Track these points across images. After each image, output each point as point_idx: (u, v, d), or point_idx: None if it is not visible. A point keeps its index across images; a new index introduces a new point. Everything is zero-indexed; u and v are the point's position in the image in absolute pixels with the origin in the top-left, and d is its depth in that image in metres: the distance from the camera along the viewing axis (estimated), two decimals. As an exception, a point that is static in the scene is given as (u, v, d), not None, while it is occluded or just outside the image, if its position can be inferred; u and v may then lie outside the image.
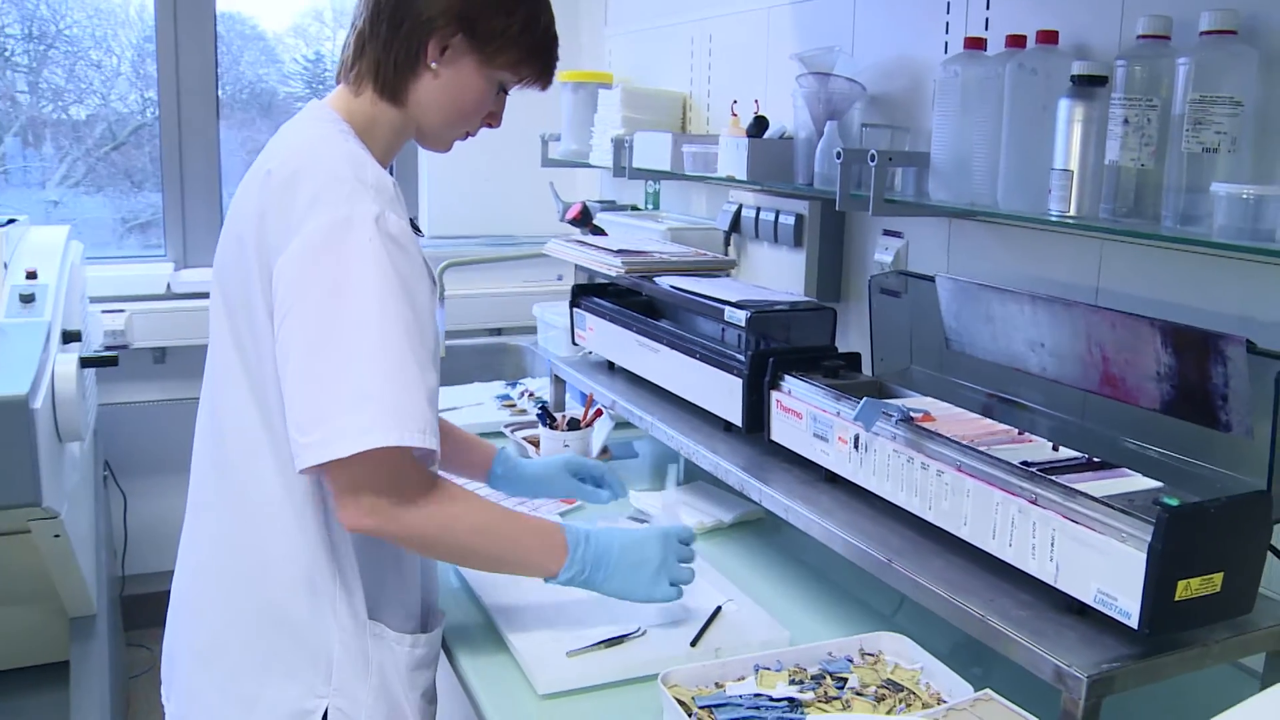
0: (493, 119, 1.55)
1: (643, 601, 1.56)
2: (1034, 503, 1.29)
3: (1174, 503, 1.17)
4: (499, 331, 3.87)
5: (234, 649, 1.43)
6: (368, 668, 1.43)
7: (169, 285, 3.56)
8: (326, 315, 1.27)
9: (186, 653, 1.49)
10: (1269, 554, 1.24)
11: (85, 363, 2.47)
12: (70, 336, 2.56)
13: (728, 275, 2.33)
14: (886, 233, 2.18)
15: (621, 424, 2.43)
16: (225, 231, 1.44)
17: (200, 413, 1.50)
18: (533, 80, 1.52)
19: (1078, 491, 1.25)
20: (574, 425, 2.33)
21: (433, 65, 1.43)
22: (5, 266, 2.66)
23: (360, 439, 1.25)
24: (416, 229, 1.56)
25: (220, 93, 3.74)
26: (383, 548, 1.45)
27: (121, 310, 3.40)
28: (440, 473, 1.48)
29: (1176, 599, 1.16)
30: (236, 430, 1.41)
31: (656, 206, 3.25)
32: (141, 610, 3.52)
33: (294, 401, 1.29)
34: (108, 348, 3.24)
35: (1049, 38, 1.65)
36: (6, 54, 3.74)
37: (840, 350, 1.90)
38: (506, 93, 1.53)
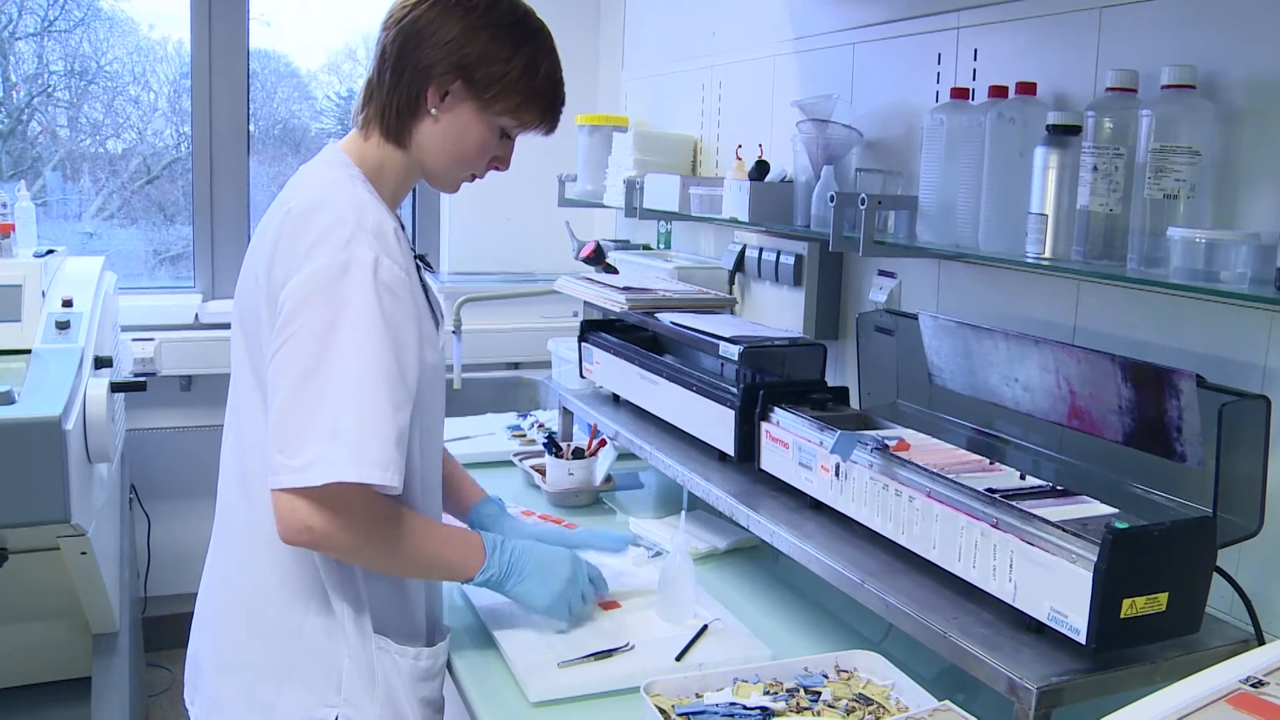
0: (499, 163, 1.61)
1: (539, 613, 1.69)
2: (995, 526, 1.37)
3: (1121, 526, 1.24)
4: (515, 365, 3.96)
5: (254, 660, 1.53)
6: (374, 679, 1.51)
7: (197, 315, 3.68)
8: (315, 352, 1.37)
9: (210, 662, 1.59)
10: (1215, 576, 1.31)
11: (115, 388, 2.58)
12: (102, 362, 2.68)
13: (729, 312, 2.42)
14: (881, 273, 2.27)
15: (627, 455, 2.52)
16: (244, 268, 1.54)
17: (225, 438, 1.60)
18: (535, 125, 1.57)
19: (1034, 516, 1.33)
20: (579, 454, 2.42)
21: (433, 111, 1.51)
22: (43, 294, 2.79)
23: (326, 471, 1.35)
24: (428, 265, 1.66)
25: (252, 128, 3.88)
26: None
27: (151, 339, 3.53)
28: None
29: (1122, 616, 1.24)
30: (256, 457, 1.50)
31: (668, 246, 3.34)
32: (162, 631, 3.62)
33: (278, 426, 1.38)
34: (137, 374, 3.36)
35: (1028, 89, 1.73)
36: (49, 90, 3.90)
37: (835, 385, 1.98)
38: (512, 138, 1.59)
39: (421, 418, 1.52)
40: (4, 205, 2.92)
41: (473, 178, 1.61)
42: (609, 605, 1.81)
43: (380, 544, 1.46)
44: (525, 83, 1.52)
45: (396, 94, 1.51)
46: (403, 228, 1.60)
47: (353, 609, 1.50)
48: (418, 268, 1.58)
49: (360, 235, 1.40)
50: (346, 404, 1.36)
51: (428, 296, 1.59)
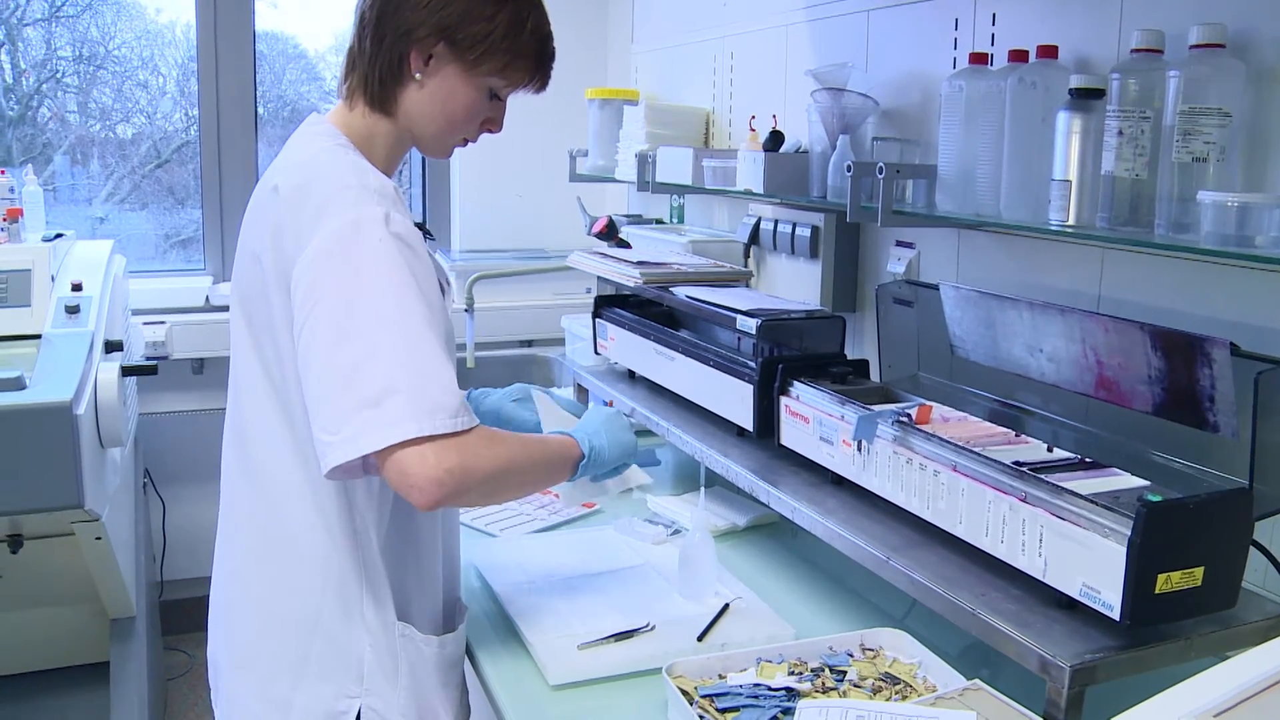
0: (492, 125, 1.55)
1: (632, 459, 1.67)
2: (1024, 500, 1.33)
3: (1155, 499, 1.21)
4: (529, 343, 3.93)
5: (269, 654, 1.48)
6: (397, 668, 1.48)
7: (207, 298, 3.66)
8: (343, 315, 1.29)
9: (226, 660, 1.55)
10: (1252, 549, 1.27)
11: (126, 371, 2.56)
12: (113, 346, 2.66)
13: (744, 285, 2.38)
14: (899, 243, 2.23)
15: (643, 432, 2.48)
16: (240, 249, 1.49)
17: (226, 427, 1.54)
18: (524, 84, 1.52)
19: (1064, 489, 1.29)
20: (595, 432, 2.39)
21: (417, 76, 1.45)
22: (53, 279, 2.77)
23: (387, 433, 1.25)
24: (427, 233, 1.61)
25: (261, 111, 3.85)
26: (406, 550, 1.50)
27: (162, 322, 3.51)
28: None
29: (1157, 592, 1.20)
30: (263, 443, 1.46)
31: (681, 220, 3.31)
32: (179, 614, 3.61)
33: (318, 403, 1.30)
34: (148, 358, 3.35)
35: (1049, 52, 1.69)
36: (58, 76, 3.87)
37: (854, 358, 1.95)
38: (502, 98, 1.53)
39: None
40: (12, 190, 2.91)
41: (465, 142, 1.55)
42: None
43: (505, 464, 1.38)
44: (511, 41, 1.45)
45: (379, 61, 1.46)
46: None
47: (373, 596, 1.46)
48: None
49: (365, 194, 1.35)
50: (393, 358, 1.28)
51: (435, 265, 1.54)
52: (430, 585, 1.55)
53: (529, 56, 1.49)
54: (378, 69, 1.46)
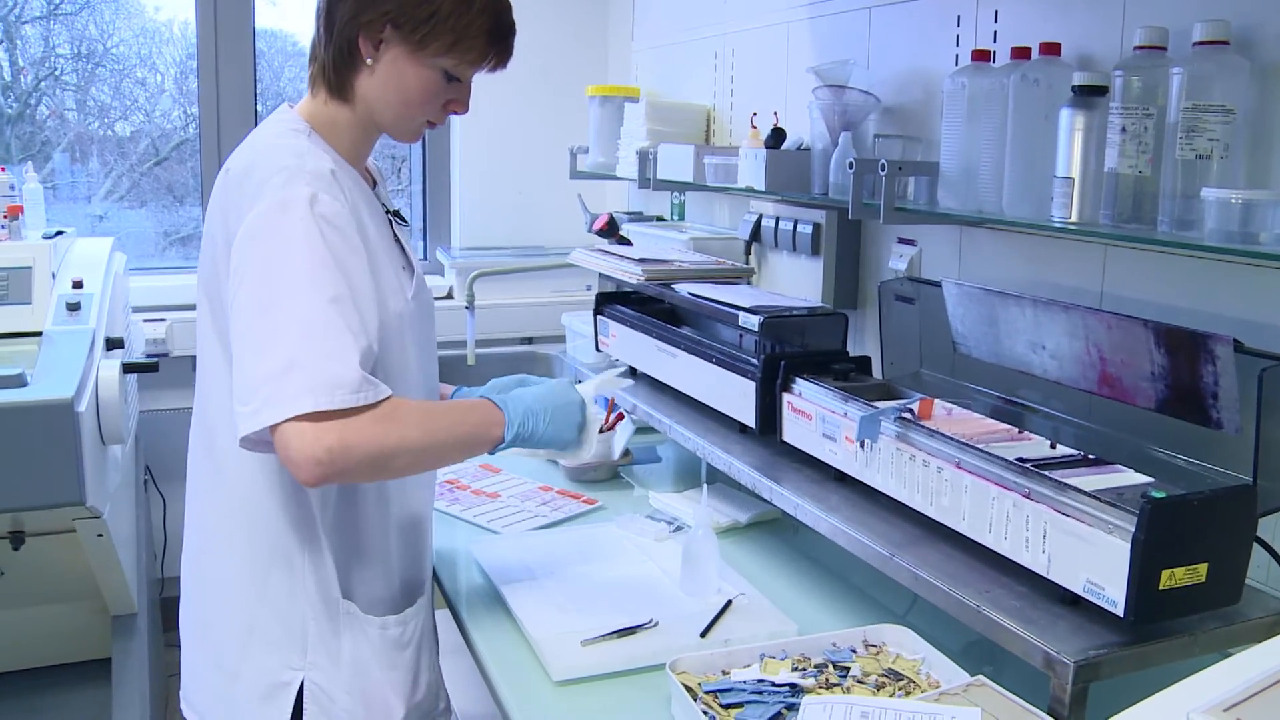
0: (455, 106, 1.53)
1: (571, 449, 1.62)
2: (1027, 497, 1.34)
3: (1159, 495, 1.21)
4: (530, 340, 3.93)
5: (220, 624, 1.52)
6: (340, 644, 1.50)
7: (208, 295, 3.65)
8: (261, 291, 1.33)
9: (186, 631, 1.60)
10: (1255, 546, 1.28)
11: (127, 368, 2.56)
12: (113, 343, 2.65)
13: (746, 282, 2.39)
14: (901, 240, 2.23)
15: (644, 429, 2.49)
16: (204, 233, 1.51)
17: (194, 409, 1.57)
18: (478, 63, 1.49)
19: (1068, 486, 1.30)
20: (596, 429, 2.39)
21: (368, 61, 1.45)
22: (53, 276, 2.76)
23: (286, 406, 1.27)
24: (402, 220, 1.62)
25: (260, 107, 3.84)
26: (350, 528, 1.52)
27: (163, 319, 3.50)
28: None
29: (1161, 588, 1.21)
30: (219, 415, 1.48)
31: (682, 217, 3.30)
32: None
33: (236, 376, 1.33)
34: (149, 355, 3.33)
35: (1052, 49, 1.69)
36: (57, 73, 3.87)
37: (855, 355, 1.95)
38: (462, 79, 1.51)
39: (398, 375, 1.48)
40: (12, 187, 2.90)
41: (431, 124, 1.54)
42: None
43: (394, 442, 1.35)
44: (458, 19, 1.43)
45: (332, 48, 1.47)
46: (375, 184, 1.57)
47: (314, 569, 1.48)
48: (390, 222, 1.56)
49: (298, 176, 1.37)
50: (299, 333, 1.30)
51: (402, 249, 1.55)
52: (376, 565, 1.55)
53: (479, 34, 1.46)
54: (332, 57, 1.47)
